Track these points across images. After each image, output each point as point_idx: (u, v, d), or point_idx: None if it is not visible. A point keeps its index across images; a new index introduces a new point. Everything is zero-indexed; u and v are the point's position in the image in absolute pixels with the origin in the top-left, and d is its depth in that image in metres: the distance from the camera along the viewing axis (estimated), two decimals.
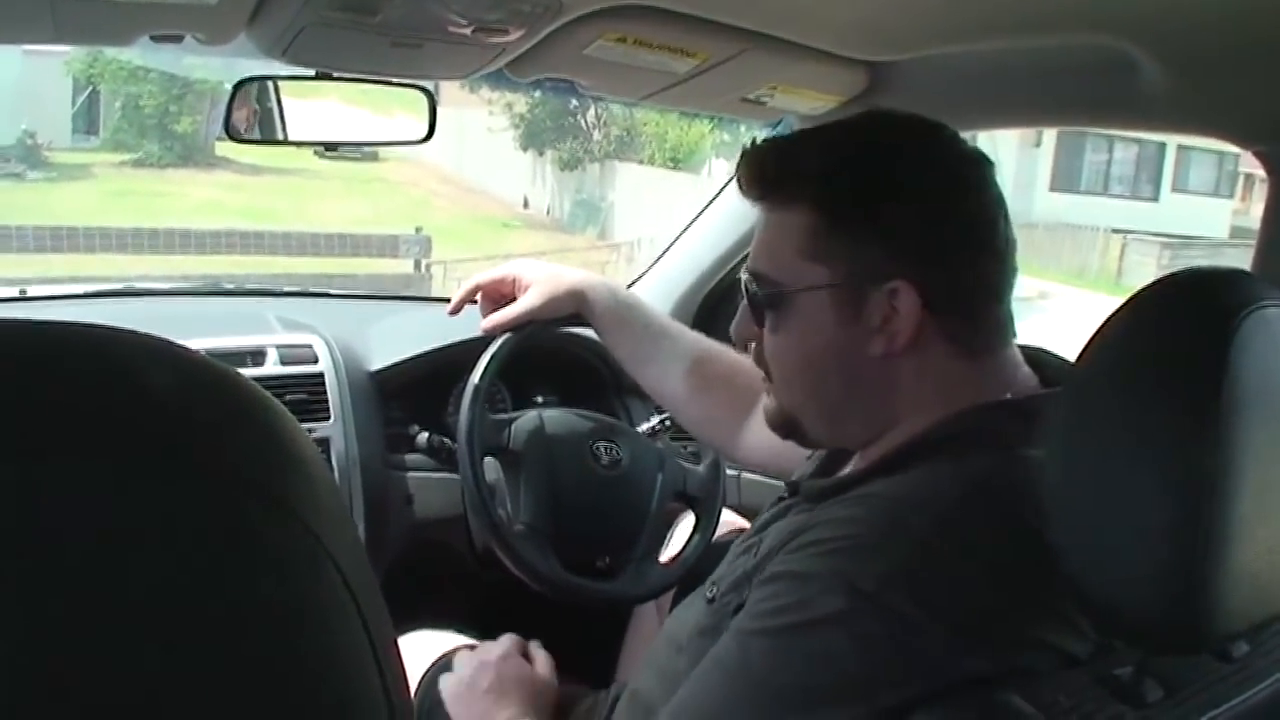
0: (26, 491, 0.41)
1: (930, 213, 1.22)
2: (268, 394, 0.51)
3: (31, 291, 2.57)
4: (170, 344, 0.49)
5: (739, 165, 1.32)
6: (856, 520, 1.12)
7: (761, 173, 1.29)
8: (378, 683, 0.49)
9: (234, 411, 0.49)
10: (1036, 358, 1.30)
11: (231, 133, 1.80)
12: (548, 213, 22.95)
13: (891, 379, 1.23)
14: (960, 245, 1.22)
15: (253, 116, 1.82)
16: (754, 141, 1.32)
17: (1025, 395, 1.23)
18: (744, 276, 1.32)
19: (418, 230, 14.20)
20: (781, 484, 1.42)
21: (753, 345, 1.37)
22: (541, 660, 1.71)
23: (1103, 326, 1.02)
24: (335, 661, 0.47)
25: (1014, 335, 1.27)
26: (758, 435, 1.70)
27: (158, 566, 0.43)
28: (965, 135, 1.30)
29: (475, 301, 2.01)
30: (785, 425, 1.35)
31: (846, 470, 1.33)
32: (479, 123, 21.33)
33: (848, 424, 1.29)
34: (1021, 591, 1.07)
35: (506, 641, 1.70)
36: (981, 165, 1.26)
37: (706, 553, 2.02)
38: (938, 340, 1.22)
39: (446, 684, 1.65)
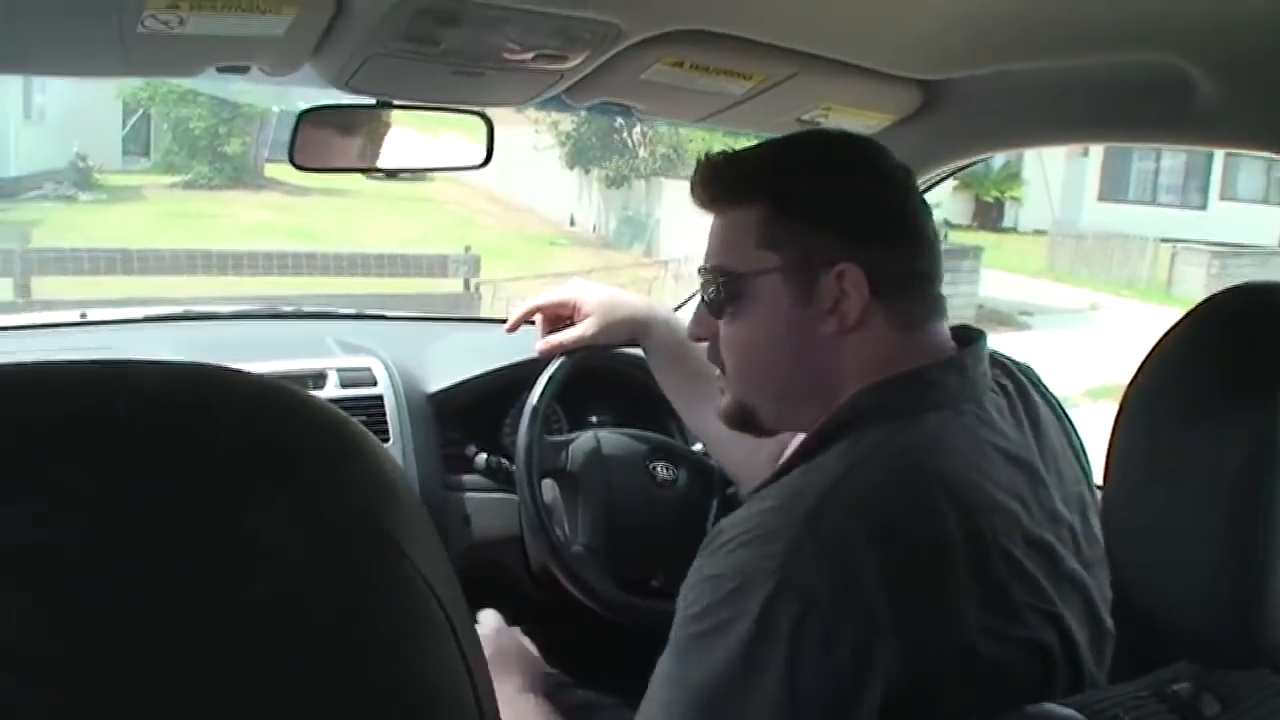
0: (155, 525, 0.44)
1: (870, 205, 1.33)
2: (367, 431, 0.53)
3: (91, 315, 2.59)
4: (286, 387, 0.52)
5: (694, 176, 1.40)
6: (757, 513, 1.16)
7: (716, 178, 1.38)
8: (471, 698, 0.51)
9: (345, 451, 0.51)
10: (962, 332, 1.38)
11: (297, 162, 1.82)
12: (594, 230, 22.99)
13: (839, 357, 1.31)
14: (896, 234, 1.33)
15: (316, 145, 1.84)
16: (707, 155, 1.41)
17: (928, 363, 1.30)
18: (701, 276, 1.40)
19: (466, 249, 14.24)
20: None
21: (707, 344, 1.45)
22: (527, 640, 1.78)
23: (1158, 343, 1.02)
24: (434, 680, 0.50)
25: (944, 314, 1.36)
26: None
27: (273, 590, 0.45)
28: (1012, 151, 1.34)
29: (533, 322, 2.04)
30: (740, 416, 1.43)
31: None
32: (525, 141, 21.39)
33: (799, 406, 1.36)
34: (914, 563, 1.11)
35: (492, 617, 1.78)
36: (908, 172, 1.38)
37: None
38: (879, 320, 1.30)
39: None
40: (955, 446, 1.21)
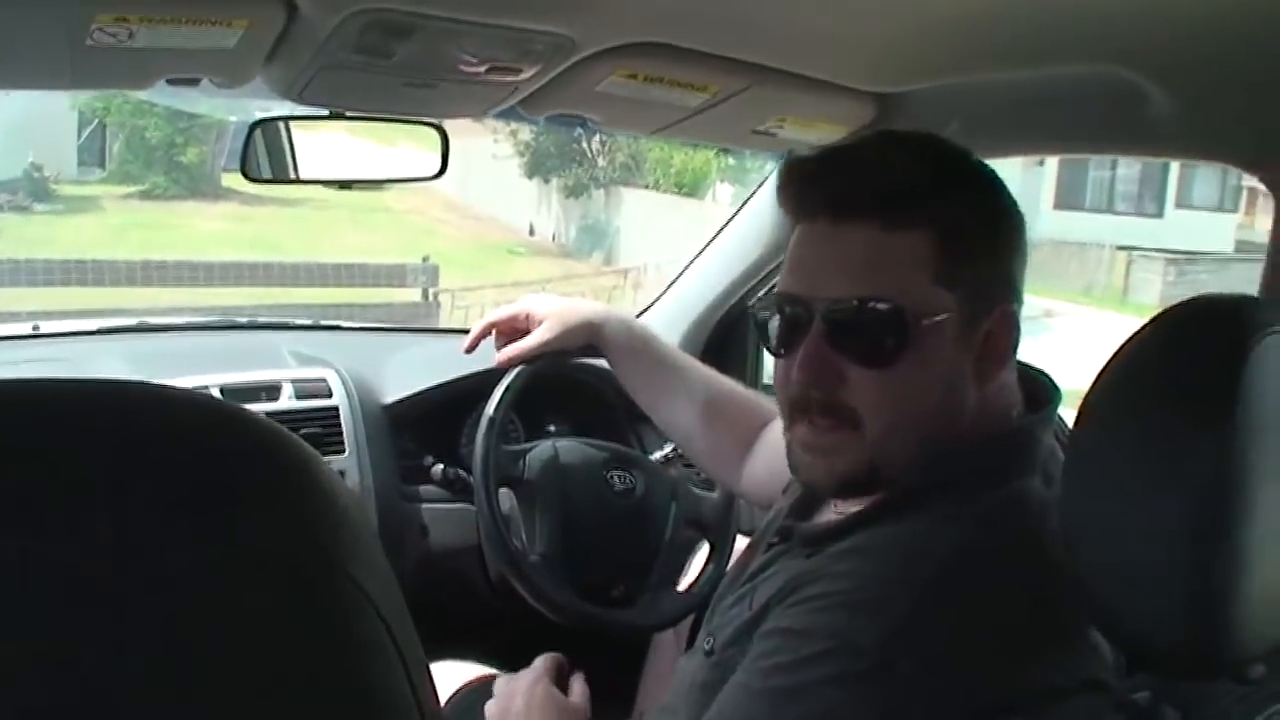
0: (87, 547, 0.44)
1: (1020, 232, 1.23)
2: (306, 445, 0.53)
3: (44, 328, 2.56)
4: (220, 402, 0.51)
5: (821, 178, 1.22)
6: (856, 574, 1.11)
7: (868, 187, 1.17)
8: (415, 713, 0.51)
9: (280, 467, 0.51)
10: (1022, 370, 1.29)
11: (249, 173, 1.81)
12: (554, 239, 22.96)
13: (966, 403, 1.20)
14: (1025, 262, 1.23)
15: (268, 156, 1.84)
16: (826, 153, 1.26)
17: (1018, 421, 1.24)
18: (851, 304, 1.16)
19: (425, 259, 14.16)
20: None
21: (816, 393, 1.21)
22: (577, 689, 1.64)
23: (1117, 353, 1.03)
24: (378, 700, 0.49)
25: None
26: (759, 468, 1.76)
27: (207, 612, 0.45)
28: None
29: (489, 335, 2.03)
30: (865, 478, 1.20)
31: (837, 514, 1.29)
32: (484, 150, 21.29)
33: (920, 458, 1.19)
34: (1025, 635, 1.07)
35: (539, 666, 1.63)
36: None
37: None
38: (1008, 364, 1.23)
39: (488, 711, 1.63)
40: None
